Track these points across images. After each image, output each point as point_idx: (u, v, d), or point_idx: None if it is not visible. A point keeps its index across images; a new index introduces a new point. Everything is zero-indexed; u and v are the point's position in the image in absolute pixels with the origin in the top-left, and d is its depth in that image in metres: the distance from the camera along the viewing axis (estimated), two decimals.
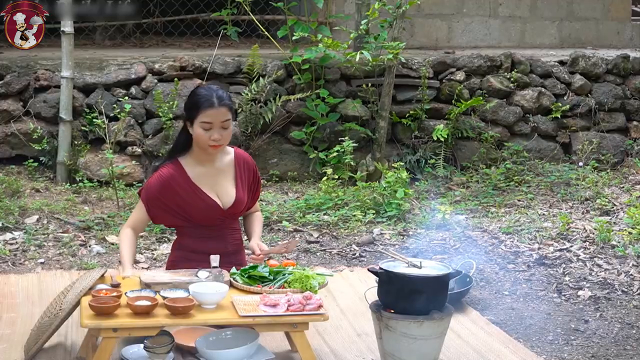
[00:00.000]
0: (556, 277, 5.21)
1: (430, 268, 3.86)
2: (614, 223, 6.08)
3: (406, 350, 3.72)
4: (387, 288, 3.78)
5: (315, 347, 3.89)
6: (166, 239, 5.65)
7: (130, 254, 4.11)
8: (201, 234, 4.19)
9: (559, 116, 7.58)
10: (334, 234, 5.92)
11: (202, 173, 4.18)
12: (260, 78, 6.94)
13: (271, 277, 3.87)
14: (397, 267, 3.85)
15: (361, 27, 6.81)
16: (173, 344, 3.64)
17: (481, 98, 7.34)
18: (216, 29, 7.84)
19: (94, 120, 6.59)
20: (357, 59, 6.73)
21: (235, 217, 4.31)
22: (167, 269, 4.25)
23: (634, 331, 4.46)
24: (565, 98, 7.75)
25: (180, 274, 3.87)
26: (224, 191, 4.21)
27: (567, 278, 5.17)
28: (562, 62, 7.89)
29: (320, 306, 3.62)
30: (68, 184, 6.54)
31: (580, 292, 4.96)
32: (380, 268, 3.83)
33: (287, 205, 6.29)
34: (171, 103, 6.68)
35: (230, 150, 4.30)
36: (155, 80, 6.93)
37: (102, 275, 3.82)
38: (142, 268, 5.16)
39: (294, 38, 6.99)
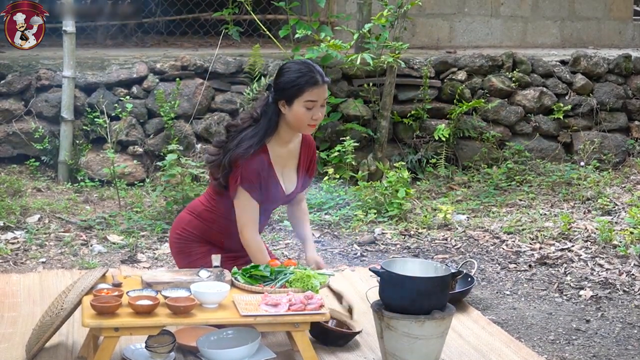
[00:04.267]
0: (557, 276, 5.20)
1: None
2: (616, 223, 6.08)
3: (407, 350, 3.72)
4: (388, 288, 3.78)
5: (316, 346, 3.89)
6: (167, 239, 5.64)
7: None
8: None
9: (561, 116, 7.58)
10: (336, 233, 5.91)
11: (278, 155, 4.03)
12: (262, 78, 6.94)
13: (272, 277, 3.87)
14: (398, 267, 3.85)
15: (365, 31, 6.78)
16: (174, 344, 3.64)
17: (482, 100, 7.34)
18: (218, 29, 7.83)
19: (96, 119, 6.59)
20: (358, 62, 6.71)
21: (286, 204, 4.21)
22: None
23: (636, 331, 4.45)
24: (566, 98, 7.75)
25: (181, 273, 3.87)
26: (288, 176, 4.08)
27: (568, 278, 5.17)
28: (563, 62, 7.89)
29: (321, 306, 3.62)
30: (69, 184, 6.54)
31: (581, 292, 4.95)
32: (382, 267, 3.84)
33: None
34: (173, 102, 6.68)
35: (299, 133, 4.12)
36: (157, 80, 6.92)
37: (104, 275, 3.81)
38: (144, 267, 5.16)
39: (297, 35, 6.97)
